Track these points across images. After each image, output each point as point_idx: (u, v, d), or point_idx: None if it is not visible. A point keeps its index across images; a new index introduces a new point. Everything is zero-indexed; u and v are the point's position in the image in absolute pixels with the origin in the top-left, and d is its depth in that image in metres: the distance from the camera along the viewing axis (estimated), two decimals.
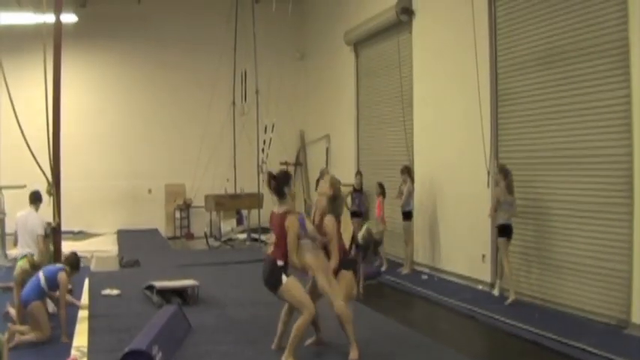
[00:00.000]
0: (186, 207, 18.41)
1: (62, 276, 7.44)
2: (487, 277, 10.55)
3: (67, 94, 17.89)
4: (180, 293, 8.83)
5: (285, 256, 6.46)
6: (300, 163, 19.90)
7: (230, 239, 16.81)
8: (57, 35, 10.45)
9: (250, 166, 17.82)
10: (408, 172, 12.31)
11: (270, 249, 6.61)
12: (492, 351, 7.97)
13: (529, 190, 9.77)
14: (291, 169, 19.45)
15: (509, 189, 9.58)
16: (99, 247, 15.09)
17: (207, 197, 17.30)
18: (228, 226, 17.51)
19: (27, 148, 8.79)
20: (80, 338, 7.09)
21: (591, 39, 8.48)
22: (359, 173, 14.13)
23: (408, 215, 12.28)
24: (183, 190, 18.89)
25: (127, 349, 5.81)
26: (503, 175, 9.67)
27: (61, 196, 9.73)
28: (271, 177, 6.73)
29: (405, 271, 12.17)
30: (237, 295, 9.59)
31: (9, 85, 8.69)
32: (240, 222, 18.04)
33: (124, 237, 16.63)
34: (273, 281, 6.44)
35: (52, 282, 7.40)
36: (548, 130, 9.36)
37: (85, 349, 6.65)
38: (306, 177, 19.63)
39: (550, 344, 7.49)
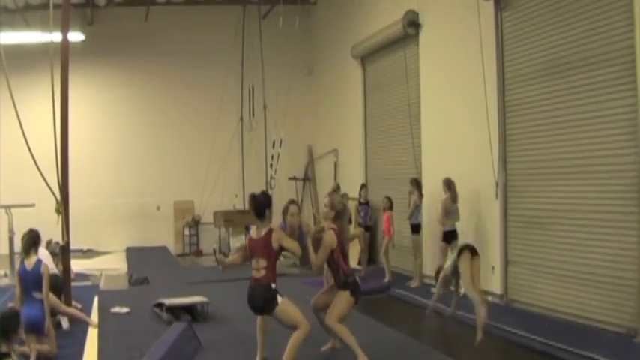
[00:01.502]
0: (195, 224, 18.43)
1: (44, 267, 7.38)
2: (497, 289, 10.48)
3: (75, 112, 17.99)
4: (189, 310, 8.79)
5: (274, 278, 6.42)
6: (308, 178, 19.89)
7: None
8: (64, 54, 10.50)
9: (259, 181, 17.82)
10: (416, 184, 12.30)
11: (260, 274, 6.39)
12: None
13: (537, 200, 9.72)
14: (299, 184, 19.50)
15: (454, 199, 10.92)
16: (108, 265, 15.11)
17: (215, 214, 17.33)
18: (237, 242, 17.46)
19: (35, 166, 8.81)
20: (90, 356, 7.06)
21: (598, 48, 8.45)
22: (364, 186, 14.19)
23: (415, 228, 12.26)
24: (192, 206, 18.91)
25: None
26: (447, 186, 11.01)
27: (69, 215, 9.76)
28: (252, 199, 6.62)
29: (414, 284, 12.12)
30: (247, 311, 9.49)
31: (17, 103, 8.72)
32: None
33: (133, 254, 16.64)
34: (268, 304, 6.37)
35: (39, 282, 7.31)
36: (555, 140, 9.32)
37: None
38: (315, 192, 19.60)
39: (560, 354, 7.41)
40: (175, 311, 8.73)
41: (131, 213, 18.50)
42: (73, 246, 11.81)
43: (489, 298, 10.53)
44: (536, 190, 9.79)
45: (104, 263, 15.50)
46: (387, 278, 12.63)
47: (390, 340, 7.94)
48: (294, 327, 6.42)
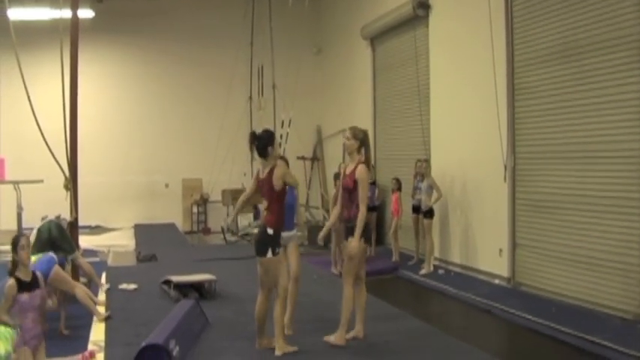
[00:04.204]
0: (204, 202, 18.47)
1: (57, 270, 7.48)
2: (504, 272, 10.49)
3: (84, 89, 17.99)
4: (197, 288, 8.82)
5: (276, 223, 6.27)
6: (317, 157, 19.87)
7: (247, 234, 16.83)
8: (74, 31, 10.51)
9: None
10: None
11: (265, 215, 6.35)
12: (508, 345, 7.95)
13: (546, 184, 9.70)
14: (308, 163, 19.49)
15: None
16: (116, 242, 15.21)
17: (224, 192, 17.37)
18: (245, 220, 17.52)
19: (44, 143, 8.86)
20: (97, 332, 7.11)
21: (608, 33, 8.36)
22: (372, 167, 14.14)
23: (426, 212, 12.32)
24: (201, 184, 18.95)
25: (143, 344, 5.79)
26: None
27: (78, 191, 9.82)
28: (254, 137, 6.41)
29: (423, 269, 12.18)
30: (255, 289, 9.55)
31: (26, 80, 8.74)
32: (257, 217, 18.03)
33: (141, 231, 16.73)
34: (260, 247, 6.26)
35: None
36: (564, 125, 9.27)
37: (103, 343, 6.67)
38: (324, 172, 19.60)
39: (566, 338, 7.45)
40: (183, 289, 8.75)
41: (140, 190, 18.57)
42: (81, 222, 11.91)
43: (496, 281, 10.56)
44: (544, 173, 9.76)
45: (112, 240, 15.59)
46: (394, 258, 12.69)
47: (397, 321, 7.96)
48: (270, 285, 6.37)
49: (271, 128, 6.49)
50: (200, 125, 19.02)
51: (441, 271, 11.72)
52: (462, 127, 11.83)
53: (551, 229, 9.51)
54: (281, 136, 17.14)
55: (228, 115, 18.16)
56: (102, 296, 8.97)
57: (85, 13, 16.70)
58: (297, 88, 18.08)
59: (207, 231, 17.65)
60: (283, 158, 6.92)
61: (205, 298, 8.63)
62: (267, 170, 6.31)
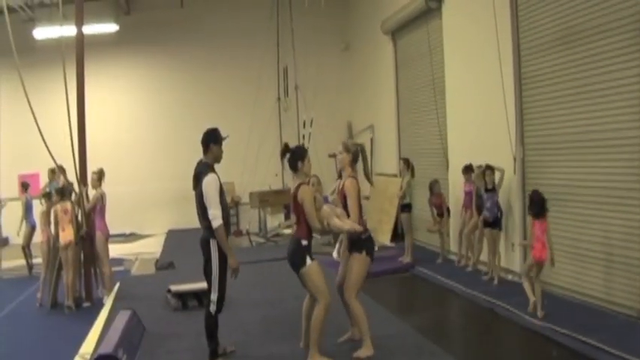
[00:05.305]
0: (235, 204, 18.62)
1: None
2: (516, 267, 10.23)
3: (114, 100, 18.74)
4: (197, 295, 8.91)
5: (308, 235, 6.35)
6: None
7: (277, 235, 16.91)
8: (79, 47, 10.80)
9: None
10: (407, 164, 12.44)
11: (294, 228, 6.50)
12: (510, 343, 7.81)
13: (555, 175, 9.40)
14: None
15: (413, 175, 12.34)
16: (145, 249, 15.49)
17: (251, 194, 17.47)
18: (275, 221, 17.62)
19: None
20: (87, 345, 7.26)
21: (611, 14, 7.99)
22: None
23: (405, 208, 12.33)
24: (233, 187, 19.10)
25: (96, 355, 6.03)
26: (406, 165, 12.39)
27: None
28: (286, 149, 6.59)
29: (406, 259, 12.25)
30: (252, 296, 9.61)
31: (37, 98, 9.36)
32: (287, 217, 18.12)
33: (172, 237, 17.01)
34: (296, 260, 6.33)
35: None
36: (572, 113, 8.94)
37: (88, 356, 6.80)
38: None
39: (562, 339, 7.25)
40: (184, 297, 8.89)
41: (174, 196, 18.78)
42: (115, 230, 12.37)
43: (509, 276, 10.31)
44: (553, 165, 9.47)
45: (142, 247, 15.91)
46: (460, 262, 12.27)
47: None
48: (314, 295, 6.40)
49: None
50: (230, 129, 18.57)
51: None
52: (475, 119, 11.59)
53: (561, 223, 9.13)
54: (303, 137, 17.23)
55: (257, 117, 18.32)
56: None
57: (109, 28, 17.14)
58: (327, 86, 18.16)
59: (238, 233, 17.78)
60: (315, 176, 7.07)
61: (204, 306, 8.67)
62: (295, 186, 6.45)
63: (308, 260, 6.29)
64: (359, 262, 6.58)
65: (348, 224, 6.42)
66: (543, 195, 8.15)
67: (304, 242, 6.32)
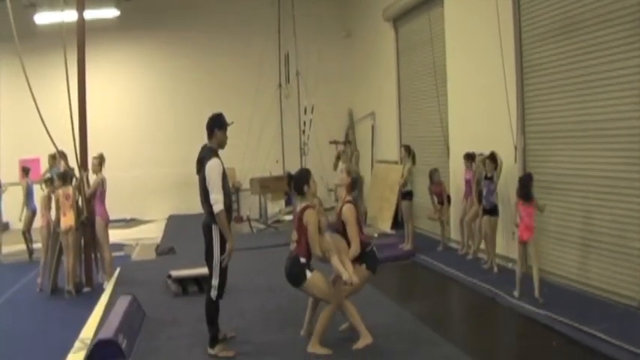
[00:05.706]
0: (236, 190, 18.62)
1: None
2: (516, 255, 10.20)
3: (115, 86, 18.70)
4: (197, 281, 8.94)
5: (307, 253, 6.44)
6: (349, 141, 19.78)
7: (278, 221, 16.93)
8: (80, 32, 10.77)
9: (298, 147, 17.90)
10: (408, 151, 12.33)
11: (294, 246, 6.58)
12: (511, 331, 7.84)
13: (556, 164, 9.40)
14: (340, 147, 19.42)
15: (414, 162, 12.25)
16: (146, 235, 15.50)
17: (252, 180, 17.47)
18: (276, 207, 17.64)
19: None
20: (87, 330, 7.30)
21: (613, 3, 7.96)
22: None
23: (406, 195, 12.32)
24: (234, 173, 19.08)
25: (96, 340, 6.07)
26: (407, 152, 12.22)
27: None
28: (290, 178, 6.89)
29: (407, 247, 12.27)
30: (254, 282, 9.65)
31: (38, 84, 9.29)
32: (288, 202, 18.13)
33: (173, 223, 17.02)
34: (296, 278, 6.45)
35: None
36: (573, 102, 8.92)
37: (88, 341, 6.83)
38: (356, 155, 19.50)
39: (562, 328, 7.26)
40: (184, 282, 8.92)
41: (175, 181, 18.80)
42: (116, 216, 12.39)
43: (509, 265, 10.31)
44: (554, 154, 9.45)
45: (143, 232, 15.93)
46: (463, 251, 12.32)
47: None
48: (325, 301, 6.51)
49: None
50: (232, 115, 18.69)
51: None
52: (476, 107, 11.57)
53: (561, 212, 9.19)
54: (304, 123, 17.21)
55: (258, 103, 18.29)
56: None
57: (110, 13, 17.06)
58: (328, 73, 18.12)
59: (239, 219, 17.80)
60: (317, 198, 7.24)
61: (204, 291, 8.71)
62: (300, 207, 6.55)
63: (308, 274, 6.39)
64: (357, 273, 6.61)
65: (346, 275, 6.41)
66: (532, 179, 8.33)
67: (302, 260, 6.42)
